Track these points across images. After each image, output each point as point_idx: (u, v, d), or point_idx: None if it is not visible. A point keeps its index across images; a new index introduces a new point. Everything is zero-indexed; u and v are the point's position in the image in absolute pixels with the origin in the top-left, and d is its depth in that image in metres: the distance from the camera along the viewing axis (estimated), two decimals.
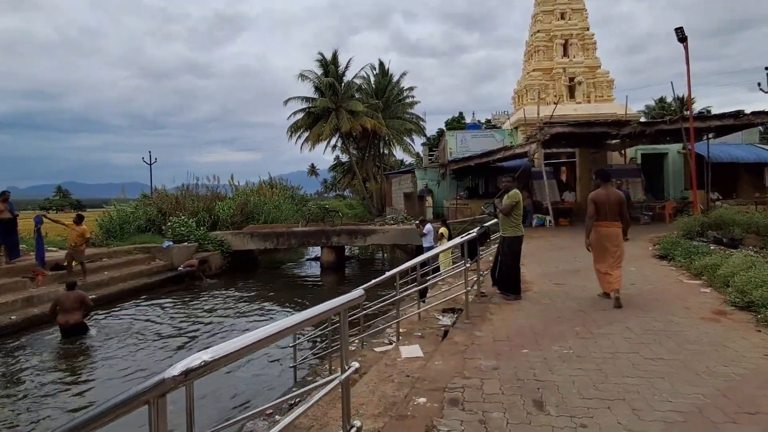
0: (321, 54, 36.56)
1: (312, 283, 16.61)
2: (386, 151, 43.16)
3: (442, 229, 11.40)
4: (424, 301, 6.63)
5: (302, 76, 35.78)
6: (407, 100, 41.00)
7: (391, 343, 5.79)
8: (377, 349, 5.80)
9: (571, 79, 21.82)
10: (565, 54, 21.98)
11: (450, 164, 18.98)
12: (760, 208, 16.73)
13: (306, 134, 37.15)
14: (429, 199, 20.06)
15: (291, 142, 38.05)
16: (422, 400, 3.36)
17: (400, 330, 6.00)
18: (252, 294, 13.94)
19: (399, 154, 44.24)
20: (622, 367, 3.75)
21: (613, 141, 18.05)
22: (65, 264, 12.42)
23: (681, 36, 12.34)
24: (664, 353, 4.03)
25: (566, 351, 4.16)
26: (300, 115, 36.46)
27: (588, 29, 22.09)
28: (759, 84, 26.62)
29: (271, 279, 16.97)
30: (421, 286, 6.21)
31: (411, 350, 4.96)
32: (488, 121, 40.39)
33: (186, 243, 16.98)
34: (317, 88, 35.80)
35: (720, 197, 18.61)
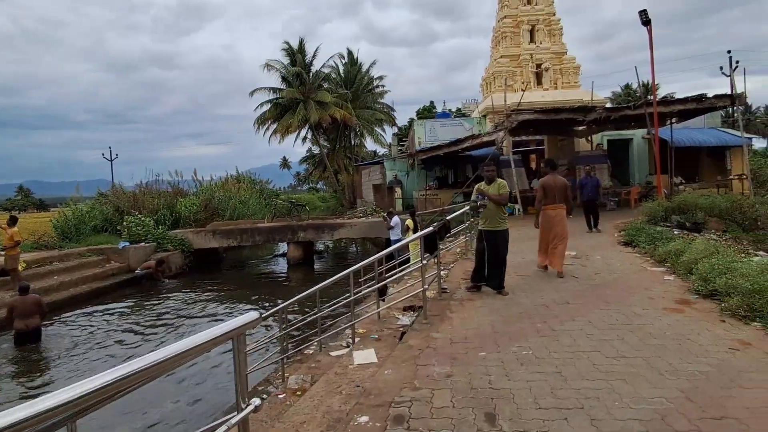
0: (287, 43, 35.53)
1: (278, 280, 16.11)
2: (357, 142, 42.60)
3: (409, 221, 11.10)
4: (383, 300, 6.29)
5: (268, 66, 34.71)
6: (377, 90, 40.41)
7: (348, 346, 5.45)
8: (333, 353, 5.44)
9: (538, 66, 21.75)
10: (532, 40, 21.88)
11: (418, 154, 18.66)
12: (722, 191, 17.10)
13: (274, 126, 36.17)
14: (398, 190, 19.73)
15: (263, 136, 37.05)
16: (364, 419, 3.01)
17: (360, 330, 5.66)
18: (214, 294, 13.36)
19: (371, 144, 43.78)
20: (583, 368, 3.49)
21: (580, 128, 18.07)
22: (8, 269, 11.58)
23: (645, 19, 12.28)
24: (627, 350, 3.80)
25: (525, 352, 3.88)
26: (267, 107, 35.42)
27: (554, 15, 22.02)
28: (721, 68, 27.28)
29: (235, 277, 16.39)
30: (379, 284, 5.86)
31: (365, 355, 4.62)
32: (458, 110, 40.32)
33: (143, 243, 16.18)
34: (284, 79, 34.83)
35: (683, 181, 18.94)
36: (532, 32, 21.92)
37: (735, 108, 15.73)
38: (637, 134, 20.95)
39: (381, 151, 44.92)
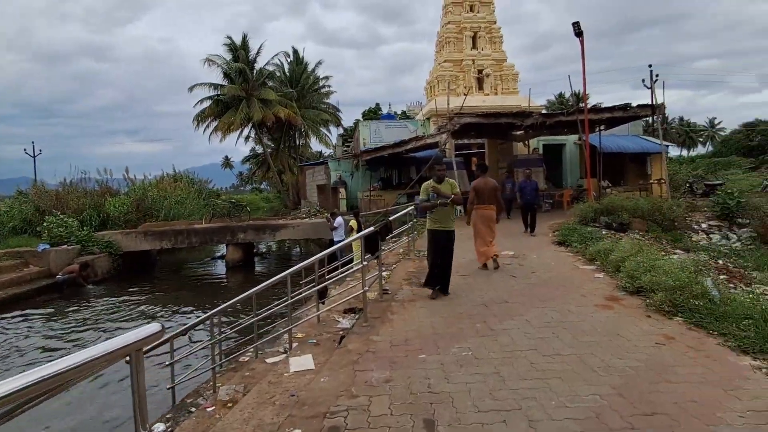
0: (230, 38, 34.18)
1: (216, 283, 15.35)
2: (302, 142, 41.80)
3: (352, 222, 10.94)
4: (323, 303, 6.07)
5: (209, 61, 33.18)
6: (323, 90, 39.85)
7: (285, 352, 5.18)
8: (269, 360, 5.16)
9: (480, 71, 22.38)
10: (474, 46, 22.48)
11: (363, 154, 18.56)
12: (644, 194, 18.42)
13: (215, 124, 34.62)
14: (342, 190, 19.49)
15: (203, 133, 35.30)
16: None
17: (298, 335, 5.42)
18: (144, 299, 12.46)
19: (316, 145, 43.13)
20: (521, 367, 3.49)
21: (518, 132, 18.78)
22: None
23: (577, 30, 12.92)
24: (562, 348, 3.86)
25: (465, 353, 3.84)
26: (207, 103, 33.82)
27: (495, 23, 22.77)
28: (643, 80, 29.44)
29: (169, 281, 15.43)
30: (319, 286, 5.64)
31: (301, 362, 4.39)
32: (404, 112, 40.67)
33: (66, 246, 14.83)
34: (226, 75, 33.42)
35: (610, 185, 20.20)
36: (474, 39, 22.52)
37: (656, 117, 16.96)
38: (570, 140, 22.11)
39: (327, 151, 44.41)
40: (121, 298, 12.51)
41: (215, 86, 33.15)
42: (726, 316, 4.25)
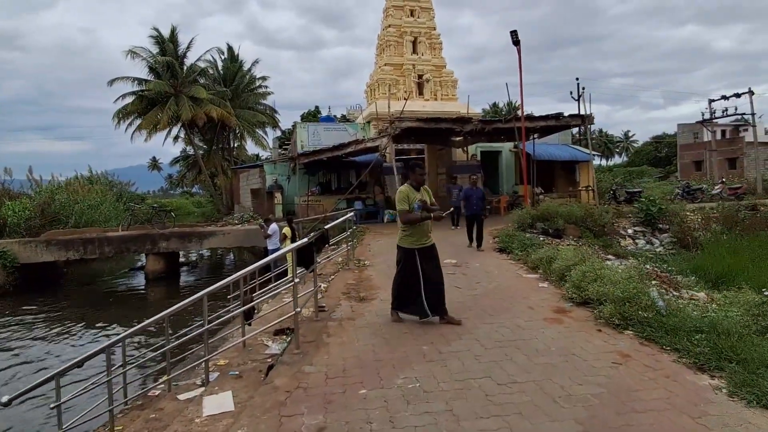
0: (156, 30, 31.84)
1: (134, 298, 13.83)
2: (237, 144, 39.88)
3: (285, 230, 10.19)
4: (250, 324, 5.33)
5: (133, 54, 30.63)
6: (260, 90, 38.28)
7: (203, 385, 4.42)
8: (182, 397, 4.35)
9: (420, 77, 22.38)
10: (415, 51, 22.46)
11: (300, 157, 17.73)
12: (573, 201, 19.22)
13: (139, 121, 31.97)
14: (278, 195, 18.49)
15: (125, 132, 32.45)
16: None
17: (220, 362, 4.68)
18: (39, 319, 10.84)
19: (253, 148, 41.37)
20: (475, 402, 3.05)
21: (458, 138, 18.90)
22: None
23: (515, 39, 13.09)
24: (518, 372, 3.48)
25: (412, 385, 3.34)
26: (131, 99, 31.18)
27: (435, 29, 22.91)
28: (571, 92, 31.16)
29: (78, 296, 13.69)
30: (244, 307, 4.91)
31: (219, 402, 3.67)
32: (343, 116, 40.09)
33: None
34: (152, 69, 31.01)
35: (543, 191, 20.92)
36: (414, 43, 22.51)
37: (585, 127, 17.72)
38: (506, 147, 22.70)
39: (264, 154, 42.64)
40: (18, 317, 10.82)
41: (140, 81, 30.68)
42: (676, 329, 4.11)
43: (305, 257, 4.82)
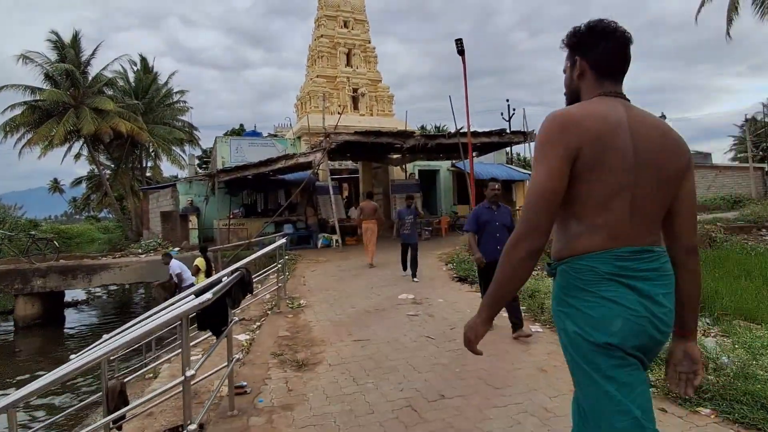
0: (55, 33, 28.00)
1: None
2: (151, 164, 36.01)
3: (198, 260, 8.13)
4: (120, 428, 3.34)
5: (25, 58, 26.57)
6: (177, 105, 35.02)
7: None
8: None
9: (355, 90, 21.12)
10: (349, 63, 21.21)
11: (220, 174, 15.41)
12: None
13: (30, 135, 27.56)
14: (194, 218, 15.98)
15: (13, 147, 27.77)
16: None
17: None
18: None
19: (170, 168, 37.63)
20: None
21: (395, 155, 17.75)
22: None
23: (460, 48, 12.28)
24: None
25: None
26: (20, 109, 26.83)
27: (369, 42, 21.89)
28: (501, 114, 31.79)
29: None
30: (114, 414, 2.91)
31: None
32: (271, 135, 37.81)
33: None
34: (49, 77, 27.05)
35: None
36: (348, 56, 21.27)
37: (527, 143, 17.30)
38: (444, 166, 21.97)
39: (183, 174, 38.99)
40: None
41: (33, 90, 26.50)
42: (754, 396, 2.86)
43: (213, 316, 3.00)
